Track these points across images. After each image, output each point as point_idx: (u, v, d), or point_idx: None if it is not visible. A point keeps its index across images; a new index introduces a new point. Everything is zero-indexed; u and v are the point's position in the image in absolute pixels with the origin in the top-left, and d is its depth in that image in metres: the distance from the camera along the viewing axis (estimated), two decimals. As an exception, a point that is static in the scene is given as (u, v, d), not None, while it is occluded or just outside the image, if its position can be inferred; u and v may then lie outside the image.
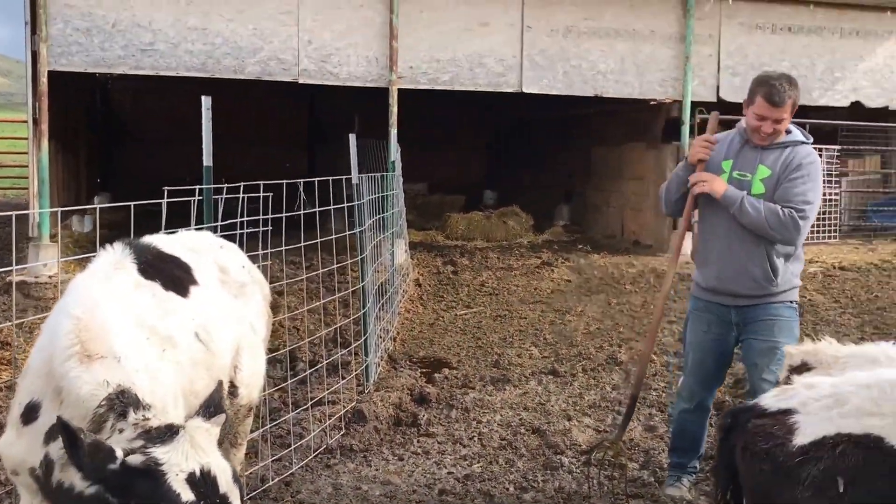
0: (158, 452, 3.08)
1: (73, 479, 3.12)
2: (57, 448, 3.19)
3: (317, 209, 6.88)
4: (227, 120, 11.52)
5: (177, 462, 3.10)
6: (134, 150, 24.80)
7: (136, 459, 3.06)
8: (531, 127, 24.62)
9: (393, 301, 10.94)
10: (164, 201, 5.38)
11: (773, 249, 5.67)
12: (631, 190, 19.00)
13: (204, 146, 5.81)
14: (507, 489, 6.38)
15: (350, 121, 19.52)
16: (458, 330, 11.13)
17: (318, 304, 9.47)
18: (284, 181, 6.57)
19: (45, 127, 13.24)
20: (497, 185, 25.49)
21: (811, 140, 5.85)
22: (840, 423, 3.20)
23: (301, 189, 6.73)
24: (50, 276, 12.35)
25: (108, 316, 3.58)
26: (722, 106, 16.51)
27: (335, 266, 8.17)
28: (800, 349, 4.20)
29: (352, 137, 8.13)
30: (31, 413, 3.30)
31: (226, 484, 3.22)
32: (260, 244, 6.31)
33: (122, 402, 3.24)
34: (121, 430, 3.19)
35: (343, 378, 8.06)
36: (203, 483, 3.14)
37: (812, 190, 5.62)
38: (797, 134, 5.80)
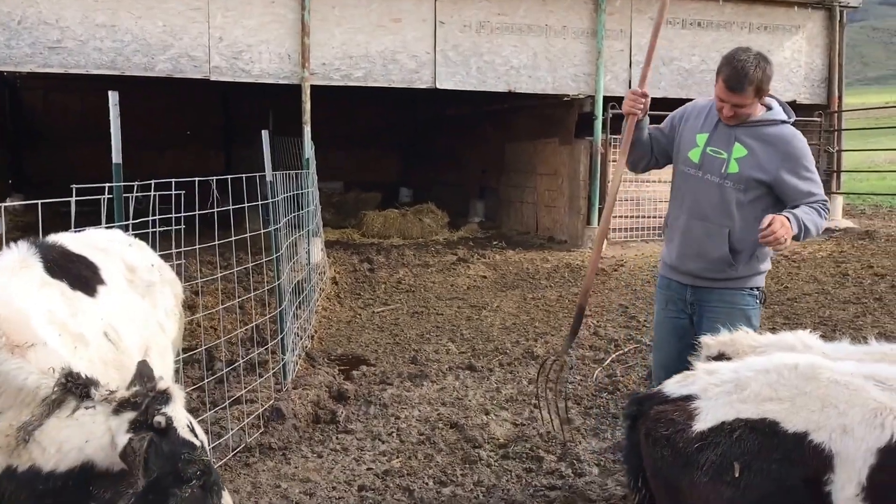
0: (170, 411, 3.18)
1: (36, 457, 3.11)
2: None
3: (230, 207, 6.81)
4: (140, 121, 11.35)
5: (179, 416, 3.22)
6: (46, 151, 24.27)
7: (160, 420, 3.12)
8: (446, 124, 24.70)
9: (310, 299, 10.88)
10: (73, 199, 5.27)
11: (735, 233, 5.38)
12: (544, 186, 19.16)
13: (113, 143, 5.69)
14: (427, 484, 6.39)
15: (265, 119, 19.38)
16: (376, 327, 11.12)
17: (234, 302, 9.39)
18: (197, 178, 6.46)
19: (-51, 127, 12.85)
20: (412, 182, 25.56)
21: (793, 118, 5.48)
22: (739, 407, 3.23)
23: (214, 187, 6.66)
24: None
25: (24, 307, 3.52)
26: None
27: (251, 265, 8.09)
28: (716, 339, 4.18)
29: (265, 134, 8.06)
30: None
31: (200, 430, 3.35)
32: (173, 243, 6.22)
33: (80, 384, 3.24)
34: (88, 408, 3.18)
35: (261, 376, 8.00)
36: (193, 430, 3.27)
37: (815, 173, 5.32)
38: (777, 111, 5.42)
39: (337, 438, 7.15)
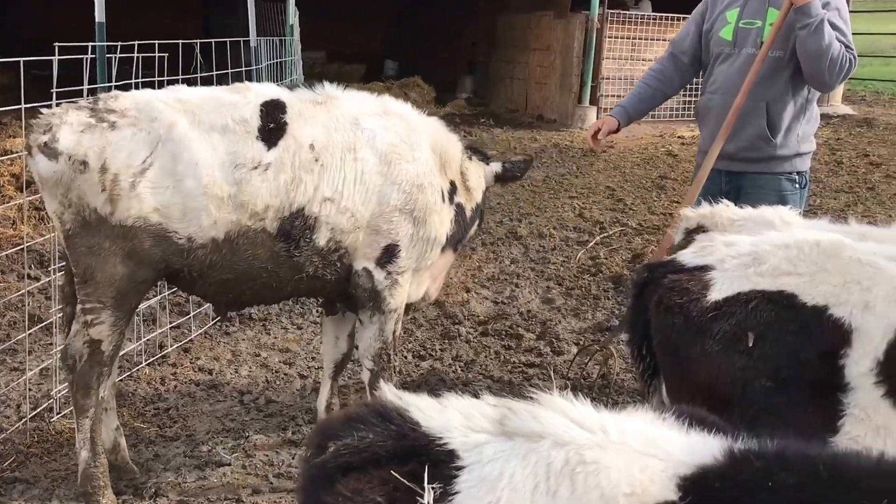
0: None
1: (476, 197, 5.15)
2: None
3: (214, 73, 6.63)
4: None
5: None
6: (22, 9, 23.66)
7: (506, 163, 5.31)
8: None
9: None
10: (55, 59, 5.06)
11: (774, 104, 5.17)
12: (536, 62, 18.74)
13: (96, 1, 5.51)
14: (406, 357, 6.42)
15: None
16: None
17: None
18: (180, 41, 6.27)
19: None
20: (398, 55, 25.00)
21: None
22: (756, 280, 3.20)
23: (198, 50, 6.48)
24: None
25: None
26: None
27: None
28: (696, 212, 4.14)
29: (249, -5, 7.80)
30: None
31: None
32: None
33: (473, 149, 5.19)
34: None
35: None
36: None
37: (847, 23, 5.02)
38: None
39: (318, 311, 7.15)
